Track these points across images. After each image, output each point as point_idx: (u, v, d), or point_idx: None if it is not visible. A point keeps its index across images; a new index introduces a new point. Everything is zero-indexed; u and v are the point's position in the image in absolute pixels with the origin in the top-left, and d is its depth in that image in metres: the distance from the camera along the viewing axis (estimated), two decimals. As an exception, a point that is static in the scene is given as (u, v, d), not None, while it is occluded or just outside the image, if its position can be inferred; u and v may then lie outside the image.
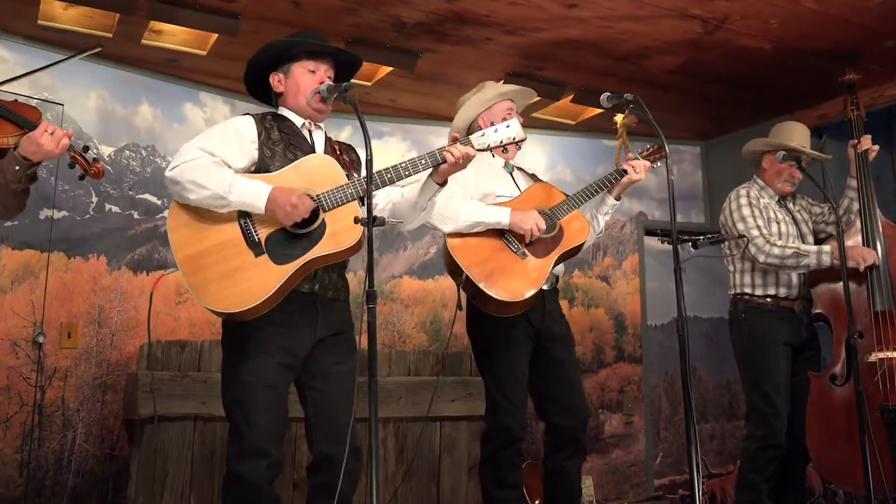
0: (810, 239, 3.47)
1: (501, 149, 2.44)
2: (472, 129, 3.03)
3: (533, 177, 3.19)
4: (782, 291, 3.35)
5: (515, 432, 2.90)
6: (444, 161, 2.35)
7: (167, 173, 2.25)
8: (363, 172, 2.29)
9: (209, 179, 2.20)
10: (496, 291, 2.77)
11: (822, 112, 4.34)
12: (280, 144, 2.38)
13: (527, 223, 2.84)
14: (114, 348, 3.63)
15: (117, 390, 3.58)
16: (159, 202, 3.91)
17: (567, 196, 3.00)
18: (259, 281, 2.19)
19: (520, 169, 3.19)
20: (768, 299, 3.35)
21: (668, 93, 4.23)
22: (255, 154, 2.34)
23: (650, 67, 3.94)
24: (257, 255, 2.23)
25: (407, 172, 2.31)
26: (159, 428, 3.24)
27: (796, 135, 3.44)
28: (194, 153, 2.25)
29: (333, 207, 2.26)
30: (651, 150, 3.11)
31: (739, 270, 3.42)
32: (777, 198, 3.46)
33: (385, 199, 2.54)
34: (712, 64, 3.87)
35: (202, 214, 2.25)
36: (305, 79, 2.43)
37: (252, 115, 2.41)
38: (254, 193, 2.22)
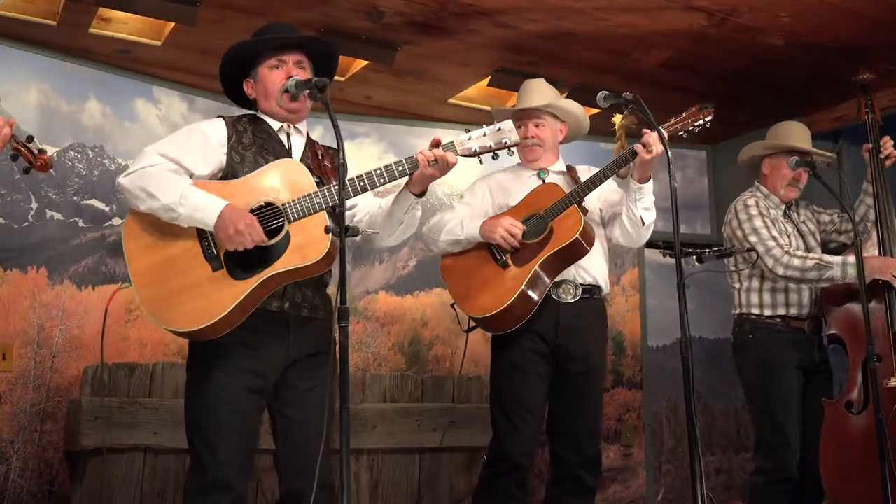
0: (819, 252, 3.44)
1: (491, 154, 2.37)
2: None
3: (576, 180, 3.06)
4: (793, 311, 3.34)
5: (515, 458, 2.88)
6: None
7: (119, 179, 2.27)
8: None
9: (160, 189, 2.21)
10: (468, 309, 2.82)
11: (839, 114, 4.38)
12: (251, 149, 2.39)
13: (495, 233, 2.84)
14: (54, 371, 3.59)
15: (58, 419, 3.53)
16: (107, 209, 3.87)
17: (566, 193, 2.96)
18: (215, 298, 2.18)
19: (562, 173, 3.13)
20: (777, 319, 3.34)
21: (671, 91, 4.26)
22: (224, 158, 2.36)
23: (651, 64, 3.97)
24: (215, 269, 2.23)
25: (382, 180, 2.29)
26: (105, 461, 3.21)
27: (796, 136, 3.44)
28: (153, 159, 2.28)
29: (299, 218, 2.25)
30: (690, 113, 2.82)
31: (745, 289, 3.41)
32: (783, 207, 3.45)
33: (363, 211, 2.53)
34: (719, 60, 3.90)
35: (160, 223, 2.25)
36: (272, 77, 2.43)
37: (224, 118, 2.44)
38: (205, 208, 2.21)
